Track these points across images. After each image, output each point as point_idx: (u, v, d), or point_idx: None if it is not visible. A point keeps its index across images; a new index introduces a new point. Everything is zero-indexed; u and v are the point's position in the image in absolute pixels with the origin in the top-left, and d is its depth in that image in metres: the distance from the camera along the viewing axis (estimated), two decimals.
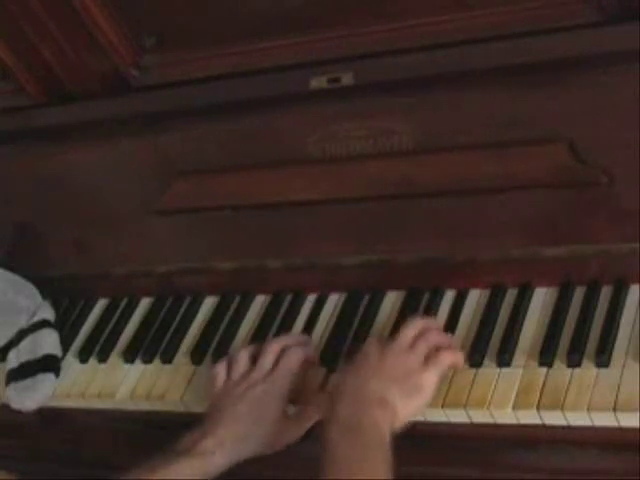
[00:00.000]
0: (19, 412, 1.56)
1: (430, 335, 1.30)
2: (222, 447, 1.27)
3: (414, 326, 1.31)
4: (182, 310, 1.59)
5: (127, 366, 1.55)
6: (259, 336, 1.48)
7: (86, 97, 1.55)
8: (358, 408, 1.21)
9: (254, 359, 1.37)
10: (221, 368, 1.38)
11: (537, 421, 1.22)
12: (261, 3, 1.37)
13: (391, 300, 1.44)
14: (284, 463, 1.35)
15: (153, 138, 1.52)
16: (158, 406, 1.47)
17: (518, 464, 1.26)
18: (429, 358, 1.27)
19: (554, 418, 1.21)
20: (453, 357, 1.29)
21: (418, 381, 1.25)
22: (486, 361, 1.30)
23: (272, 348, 1.36)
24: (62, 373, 1.58)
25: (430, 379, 1.26)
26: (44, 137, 1.58)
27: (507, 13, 1.26)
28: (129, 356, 1.55)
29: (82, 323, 1.67)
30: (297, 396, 1.35)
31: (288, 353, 1.36)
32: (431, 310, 1.39)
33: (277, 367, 1.34)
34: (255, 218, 1.50)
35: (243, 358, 1.37)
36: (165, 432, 1.40)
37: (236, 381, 1.35)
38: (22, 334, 1.62)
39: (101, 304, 1.68)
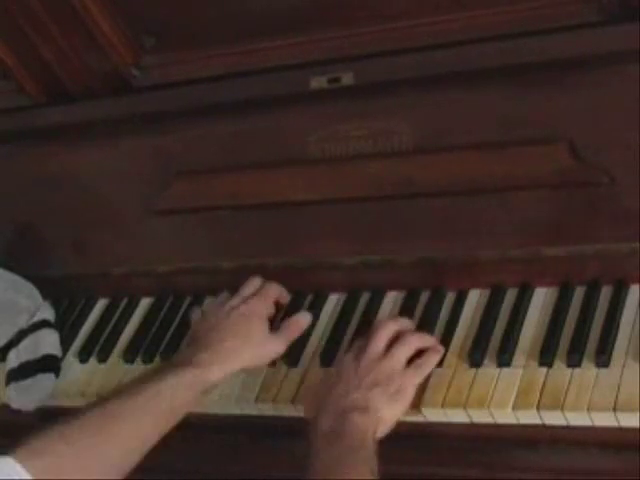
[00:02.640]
0: (19, 412, 1.56)
1: (409, 338, 1.31)
2: (218, 359, 1.32)
3: (387, 328, 1.32)
4: (182, 310, 1.59)
5: (127, 366, 1.55)
6: None
7: (86, 97, 1.55)
8: (340, 418, 1.22)
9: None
10: (196, 308, 1.49)
11: (537, 421, 1.22)
12: (261, 3, 1.37)
13: (391, 300, 1.44)
14: (281, 463, 1.35)
15: (153, 138, 1.52)
16: None
17: (518, 464, 1.26)
18: (412, 361, 1.29)
19: (554, 418, 1.21)
20: (435, 359, 1.30)
21: (400, 385, 1.26)
22: (486, 361, 1.30)
23: (250, 282, 1.46)
24: (62, 373, 1.58)
25: (411, 382, 1.27)
26: (44, 137, 1.58)
27: (507, 13, 1.26)
28: (129, 356, 1.55)
29: (82, 323, 1.67)
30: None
31: (265, 285, 1.45)
32: (431, 310, 1.39)
33: (257, 294, 1.43)
34: (255, 218, 1.50)
35: (222, 295, 1.47)
36: None
37: (214, 309, 1.43)
38: (22, 334, 1.62)
39: (101, 304, 1.68)
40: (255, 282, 1.46)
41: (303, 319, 1.43)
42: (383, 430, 1.24)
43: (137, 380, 1.31)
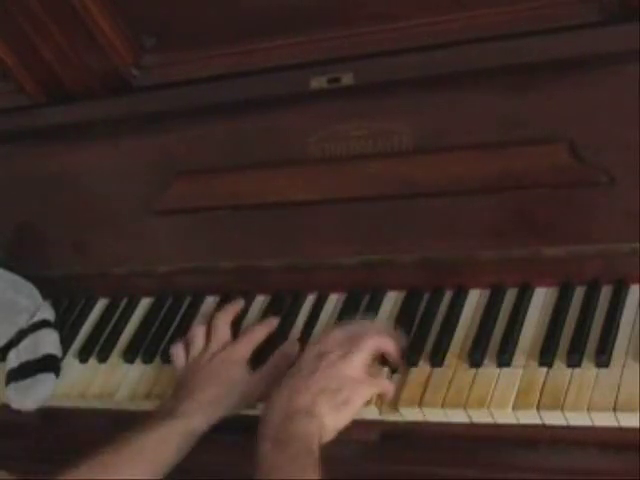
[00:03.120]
0: (19, 412, 1.56)
1: (367, 342, 1.29)
2: (200, 408, 1.33)
3: (343, 330, 1.31)
4: (182, 310, 1.59)
5: (127, 366, 1.55)
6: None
7: (86, 97, 1.55)
8: (286, 421, 1.22)
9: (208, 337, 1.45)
10: (179, 348, 1.46)
11: (537, 421, 1.22)
12: (261, 3, 1.37)
13: (391, 300, 1.44)
14: None
15: (153, 138, 1.52)
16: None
17: (518, 464, 1.26)
18: (370, 372, 1.29)
19: (554, 418, 1.21)
20: (386, 387, 1.30)
21: (349, 395, 1.26)
22: (486, 361, 1.30)
23: (219, 323, 1.45)
24: (62, 373, 1.58)
25: (361, 395, 1.27)
26: (44, 137, 1.58)
27: (507, 13, 1.26)
28: (129, 356, 1.55)
29: (82, 323, 1.66)
30: None
31: (248, 328, 1.46)
32: (431, 310, 1.39)
33: (238, 338, 1.43)
34: (255, 218, 1.50)
35: (199, 335, 1.45)
36: None
37: (198, 355, 1.43)
38: (22, 334, 1.62)
39: (101, 304, 1.68)
40: (224, 320, 1.46)
41: (290, 351, 1.40)
42: (327, 437, 1.24)
43: (123, 434, 1.31)
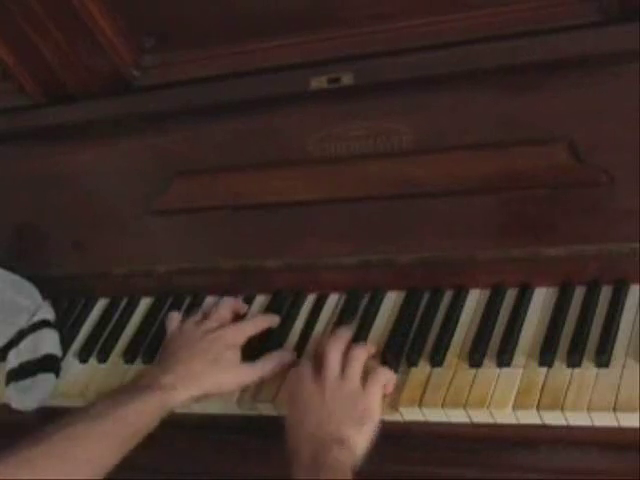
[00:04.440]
0: (19, 412, 1.56)
1: (355, 354, 1.31)
2: (182, 382, 1.33)
3: (336, 349, 1.32)
4: (182, 310, 1.59)
5: (127, 366, 1.54)
6: (259, 336, 1.48)
7: (86, 97, 1.55)
8: (320, 452, 1.23)
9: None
10: (174, 314, 1.48)
11: (537, 421, 1.22)
12: (261, 3, 1.37)
13: (391, 300, 1.44)
14: (281, 463, 1.35)
15: (153, 138, 1.52)
16: None
17: (518, 464, 1.26)
18: (364, 378, 1.29)
19: (554, 418, 1.21)
20: (387, 375, 1.31)
21: (365, 406, 1.27)
22: (486, 361, 1.30)
23: (223, 306, 1.47)
24: (62, 373, 1.58)
25: (375, 400, 1.28)
26: (44, 137, 1.58)
27: (507, 13, 1.26)
28: (129, 356, 1.55)
29: (82, 323, 1.66)
30: None
31: (247, 318, 1.47)
32: (431, 310, 1.39)
33: (235, 323, 1.44)
34: (255, 218, 1.50)
35: (200, 312, 1.47)
36: (163, 431, 1.40)
37: (191, 326, 1.43)
38: (22, 334, 1.62)
39: (101, 304, 1.68)
40: (233, 305, 1.47)
41: (286, 356, 1.41)
42: (359, 456, 1.25)
43: (103, 401, 1.31)
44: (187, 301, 1.59)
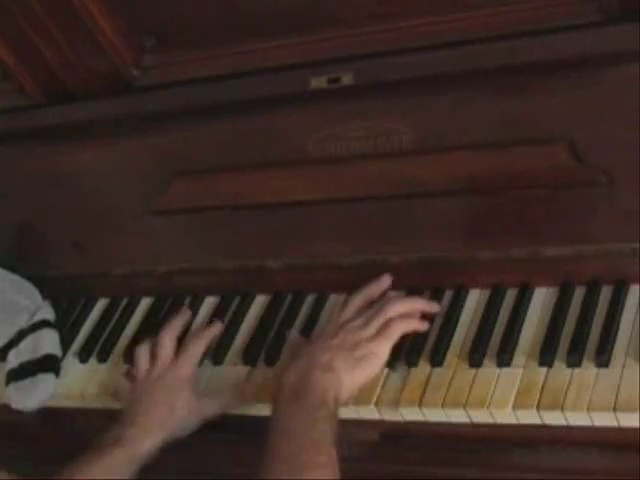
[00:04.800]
0: (19, 412, 1.56)
1: (385, 307, 1.33)
2: (146, 433, 1.35)
3: (362, 296, 1.35)
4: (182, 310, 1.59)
5: (127, 366, 1.54)
6: (259, 336, 1.48)
7: (86, 97, 1.55)
8: (303, 375, 1.25)
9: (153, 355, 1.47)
10: (122, 379, 1.48)
11: (537, 421, 1.22)
12: (261, 3, 1.37)
13: None
14: None
15: (153, 138, 1.51)
16: None
17: (518, 464, 1.26)
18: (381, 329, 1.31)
19: (554, 418, 1.21)
20: (407, 326, 1.32)
21: (365, 351, 1.28)
22: (486, 361, 1.30)
23: (164, 341, 1.46)
24: (62, 373, 1.58)
25: (379, 348, 1.29)
26: (44, 137, 1.58)
27: (507, 13, 1.26)
28: (129, 356, 1.55)
29: (82, 323, 1.67)
30: None
31: (186, 342, 1.46)
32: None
33: (178, 356, 1.44)
34: (255, 218, 1.50)
35: (142, 357, 1.46)
36: None
37: (143, 377, 1.44)
38: (22, 334, 1.62)
39: (101, 304, 1.68)
40: (166, 340, 1.46)
41: (247, 390, 1.41)
42: (344, 396, 1.26)
43: (73, 464, 1.32)
44: (187, 301, 1.60)
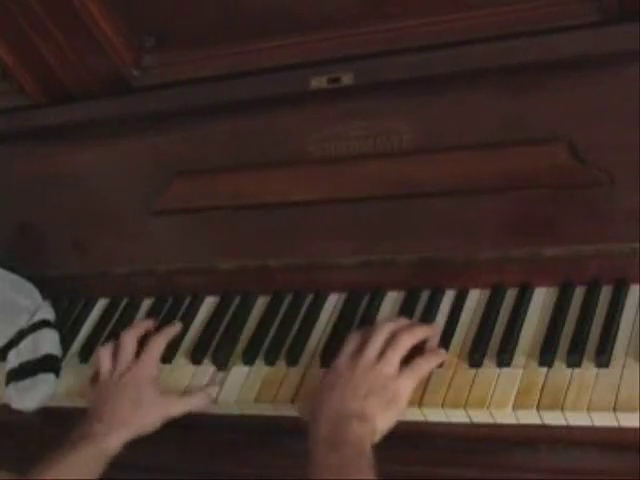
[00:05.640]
0: (19, 412, 1.56)
1: (401, 339, 1.30)
2: (112, 429, 1.37)
3: (382, 332, 1.32)
4: (182, 310, 1.59)
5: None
6: (259, 336, 1.48)
7: (86, 97, 1.55)
8: (339, 426, 1.23)
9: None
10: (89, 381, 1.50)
11: (537, 421, 1.22)
12: (261, 3, 1.37)
13: (391, 300, 1.44)
14: (281, 463, 1.36)
15: (153, 138, 1.52)
16: None
17: (518, 464, 1.26)
18: (405, 365, 1.29)
19: (554, 418, 1.21)
20: (429, 364, 1.30)
21: (394, 391, 1.27)
22: (486, 361, 1.30)
23: (125, 342, 1.48)
24: (62, 373, 1.58)
25: (405, 387, 1.27)
26: (44, 137, 1.58)
27: (507, 13, 1.26)
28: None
29: (82, 323, 1.67)
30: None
31: (148, 342, 1.48)
32: (431, 310, 1.39)
33: (140, 356, 1.46)
34: (255, 218, 1.50)
35: (105, 357, 1.48)
36: (164, 431, 1.40)
37: (106, 377, 1.46)
38: (22, 334, 1.62)
39: (101, 304, 1.68)
40: (127, 340, 1.48)
41: (211, 391, 1.43)
42: (377, 438, 1.25)
43: (46, 459, 1.35)
44: (187, 301, 1.60)
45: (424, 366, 1.30)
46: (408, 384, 1.28)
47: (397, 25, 1.32)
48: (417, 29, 1.31)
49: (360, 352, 1.30)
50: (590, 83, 1.23)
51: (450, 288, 1.41)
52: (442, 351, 1.32)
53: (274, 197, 1.46)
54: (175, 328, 1.53)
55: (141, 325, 1.53)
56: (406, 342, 1.31)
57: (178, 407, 1.41)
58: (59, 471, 1.32)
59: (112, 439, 1.36)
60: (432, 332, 1.34)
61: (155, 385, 1.43)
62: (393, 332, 1.32)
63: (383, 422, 1.25)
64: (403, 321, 1.35)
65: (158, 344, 1.48)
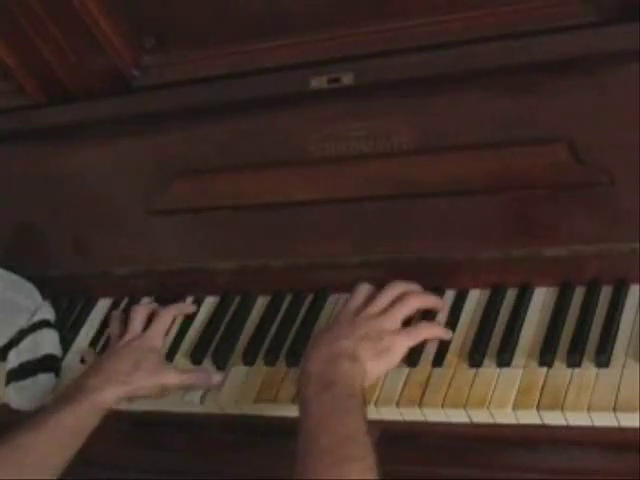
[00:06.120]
0: (19, 412, 1.56)
1: (409, 299, 1.33)
2: (107, 384, 1.41)
3: (392, 289, 1.35)
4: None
5: None
6: (259, 336, 1.48)
7: (86, 97, 1.55)
8: (329, 364, 1.25)
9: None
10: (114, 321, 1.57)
11: (537, 421, 1.22)
12: (261, 3, 1.37)
13: None
14: (281, 463, 1.35)
15: (153, 138, 1.51)
16: (157, 405, 1.47)
17: (518, 464, 1.26)
18: (408, 325, 1.32)
19: (554, 418, 1.21)
20: (431, 331, 1.33)
21: (390, 343, 1.29)
22: (486, 361, 1.30)
23: (136, 313, 1.54)
24: (62, 373, 1.58)
25: (401, 344, 1.30)
26: (44, 137, 1.58)
27: (507, 13, 1.26)
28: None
29: (82, 323, 1.67)
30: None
31: (160, 312, 1.54)
32: (431, 310, 1.39)
33: (151, 325, 1.52)
34: (255, 218, 1.50)
35: (115, 325, 1.56)
36: (164, 431, 1.41)
37: (115, 340, 1.53)
38: (22, 334, 1.62)
39: (101, 304, 1.68)
40: (141, 312, 1.54)
41: (216, 375, 1.45)
42: (367, 383, 1.26)
43: (43, 410, 1.39)
44: (187, 301, 1.59)
45: (424, 331, 1.32)
46: (404, 341, 1.30)
47: (397, 25, 1.32)
48: (417, 29, 1.31)
49: (365, 306, 1.33)
50: (590, 83, 1.23)
51: (450, 288, 1.41)
52: (449, 331, 1.34)
53: (274, 197, 1.46)
54: (189, 307, 1.56)
55: (150, 306, 1.57)
56: (413, 303, 1.33)
57: (175, 379, 1.44)
58: (55, 419, 1.35)
59: (107, 393, 1.40)
60: (441, 304, 1.37)
61: (158, 354, 1.48)
62: (402, 293, 1.34)
63: (373, 369, 1.27)
64: (414, 285, 1.37)
65: (166, 318, 1.53)
